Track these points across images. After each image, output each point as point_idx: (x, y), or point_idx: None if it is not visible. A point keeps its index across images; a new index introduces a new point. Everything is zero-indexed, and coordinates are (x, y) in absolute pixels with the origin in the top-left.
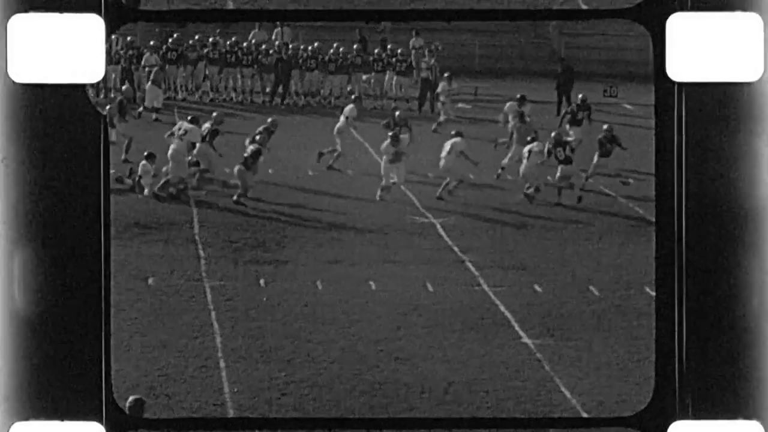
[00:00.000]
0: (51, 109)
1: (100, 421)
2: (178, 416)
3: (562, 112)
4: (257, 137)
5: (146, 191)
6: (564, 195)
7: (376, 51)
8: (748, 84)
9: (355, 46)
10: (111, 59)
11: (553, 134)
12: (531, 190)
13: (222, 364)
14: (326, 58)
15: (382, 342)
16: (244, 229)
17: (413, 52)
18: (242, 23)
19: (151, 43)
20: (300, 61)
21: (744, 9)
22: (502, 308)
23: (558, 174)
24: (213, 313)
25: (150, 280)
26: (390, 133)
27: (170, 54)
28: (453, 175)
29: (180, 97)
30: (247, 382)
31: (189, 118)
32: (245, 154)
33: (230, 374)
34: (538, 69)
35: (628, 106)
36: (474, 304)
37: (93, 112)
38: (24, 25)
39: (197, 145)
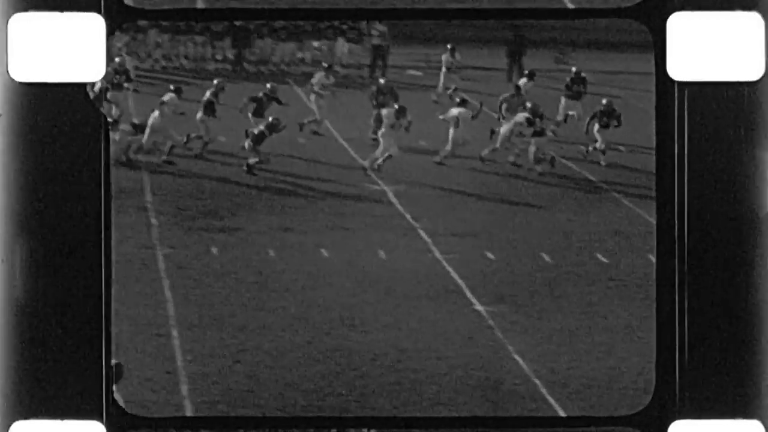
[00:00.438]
0: (51, 107)
1: (100, 420)
2: (178, 416)
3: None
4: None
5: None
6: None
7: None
8: (749, 83)
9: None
10: None
11: (529, 104)
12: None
13: (174, 332)
14: (276, 25)
15: (334, 309)
16: (196, 197)
17: None
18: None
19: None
20: (252, 28)
21: (745, 8)
22: (454, 275)
23: (531, 146)
24: (165, 282)
25: None
26: (396, 106)
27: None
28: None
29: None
30: (199, 350)
31: (172, 87)
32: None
33: (183, 342)
34: (490, 36)
35: (582, 74)
36: (426, 271)
37: (93, 110)
38: (24, 24)
39: (199, 114)
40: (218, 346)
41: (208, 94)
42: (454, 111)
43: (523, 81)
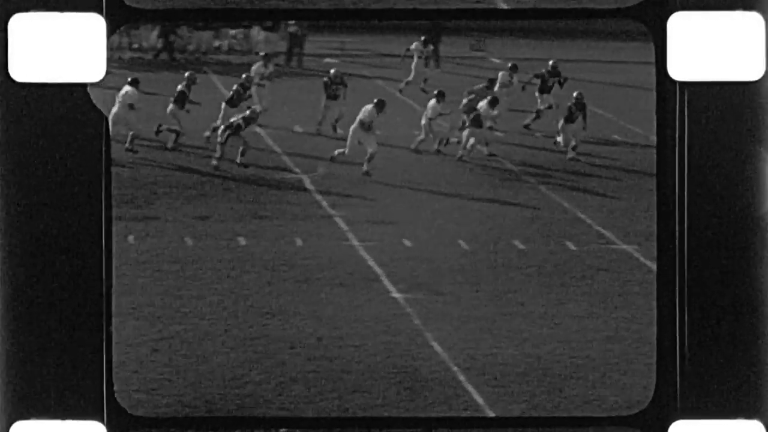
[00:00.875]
0: (51, 107)
1: (100, 420)
2: (179, 416)
3: (529, 77)
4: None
5: None
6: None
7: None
8: (749, 83)
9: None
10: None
11: (465, 101)
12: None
13: None
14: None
15: (252, 297)
16: (114, 185)
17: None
18: None
19: None
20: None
21: (745, 8)
22: (372, 263)
23: (465, 138)
24: None
25: None
26: (375, 100)
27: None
28: (437, 135)
29: None
30: (118, 339)
31: (129, 79)
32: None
33: None
34: (406, 23)
35: (496, 60)
36: (343, 259)
37: (94, 111)
38: (25, 24)
39: (170, 107)
40: (136, 335)
41: (180, 86)
42: (431, 103)
43: (502, 73)
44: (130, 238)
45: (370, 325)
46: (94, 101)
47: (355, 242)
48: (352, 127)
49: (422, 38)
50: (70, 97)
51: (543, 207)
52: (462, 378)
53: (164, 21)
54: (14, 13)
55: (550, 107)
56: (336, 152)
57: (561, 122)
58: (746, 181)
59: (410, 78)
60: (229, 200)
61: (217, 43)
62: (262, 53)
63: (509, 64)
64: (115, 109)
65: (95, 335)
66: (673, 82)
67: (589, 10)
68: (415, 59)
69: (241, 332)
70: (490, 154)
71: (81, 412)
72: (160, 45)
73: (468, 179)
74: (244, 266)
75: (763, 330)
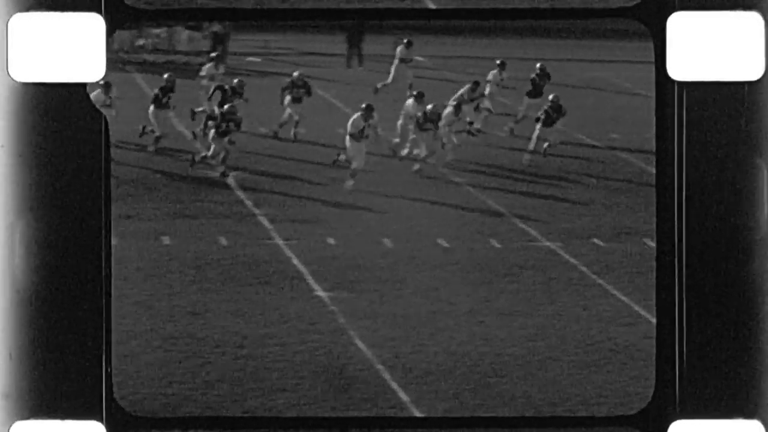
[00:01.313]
0: (51, 107)
1: (100, 420)
2: (179, 416)
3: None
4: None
5: None
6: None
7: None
8: (749, 83)
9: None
10: None
11: (429, 107)
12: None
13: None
14: None
15: (176, 296)
16: None
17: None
18: None
19: None
20: None
21: (745, 8)
22: (296, 261)
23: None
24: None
25: None
26: (363, 106)
27: None
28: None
29: None
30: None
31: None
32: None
33: None
34: (329, 22)
35: (420, 58)
36: (267, 257)
37: (93, 110)
38: (24, 24)
39: (150, 108)
40: None
41: (157, 89)
42: (410, 102)
43: (493, 72)
44: None
45: (295, 324)
46: (93, 101)
47: (279, 241)
48: (346, 139)
49: (404, 40)
50: (69, 96)
51: (468, 206)
52: (387, 376)
53: (164, 21)
54: (14, 13)
55: (524, 117)
56: (339, 156)
57: (538, 126)
58: (745, 181)
59: (389, 79)
60: (153, 199)
61: (140, 42)
62: (213, 54)
63: (498, 61)
64: None
65: (95, 335)
66: (673, 82)
67: (589, 10)
68: (396, 61)
69: (165, 331)
70: (470, 133)
71: (80, 412)
72: None
73: (393, 179)
74: (168, 265)
75: (763, 330)
